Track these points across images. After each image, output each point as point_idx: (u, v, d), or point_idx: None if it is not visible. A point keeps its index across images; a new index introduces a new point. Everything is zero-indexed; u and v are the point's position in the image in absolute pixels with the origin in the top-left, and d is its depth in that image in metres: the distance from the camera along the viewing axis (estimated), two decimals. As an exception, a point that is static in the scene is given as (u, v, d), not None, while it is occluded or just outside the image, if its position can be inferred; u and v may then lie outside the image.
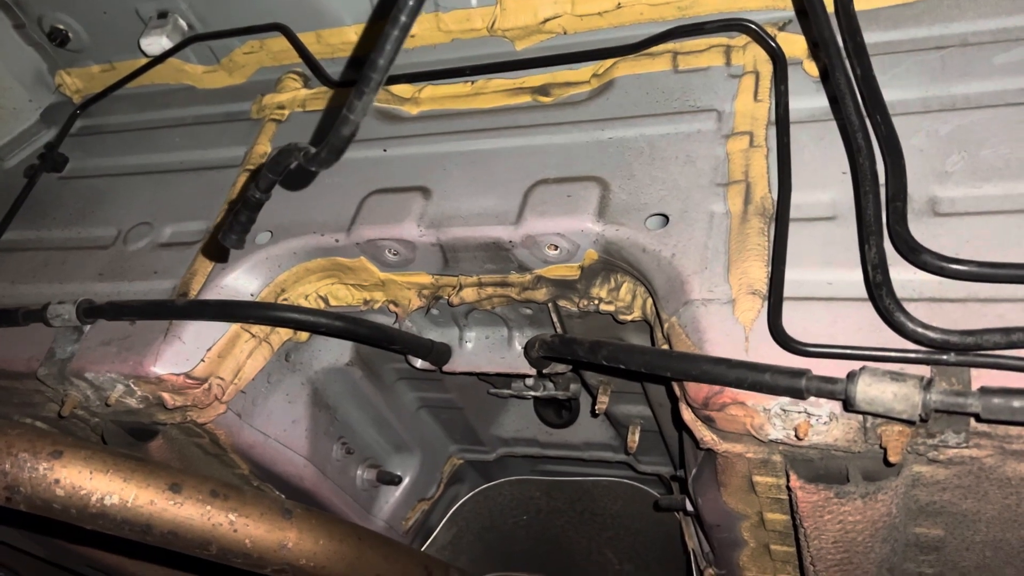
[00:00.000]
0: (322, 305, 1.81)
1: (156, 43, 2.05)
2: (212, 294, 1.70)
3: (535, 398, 2.14)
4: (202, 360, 1.66)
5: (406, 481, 2.27)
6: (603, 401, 1.87)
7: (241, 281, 1.72)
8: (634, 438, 1.97)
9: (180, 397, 1.67)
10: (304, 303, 1.79)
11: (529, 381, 2.05)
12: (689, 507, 1.69)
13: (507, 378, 2.04)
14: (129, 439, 1.83)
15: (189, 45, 2.09)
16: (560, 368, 1.83)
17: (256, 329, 1.73)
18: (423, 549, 2.36)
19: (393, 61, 0.87)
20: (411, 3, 0.83)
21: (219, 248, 1.62)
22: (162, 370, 1.64)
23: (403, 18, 0.84)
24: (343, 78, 1.96)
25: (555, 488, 2.41)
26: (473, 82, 1.87)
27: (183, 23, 2.08)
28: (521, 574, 2.44)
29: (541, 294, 1.65)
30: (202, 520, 1.36)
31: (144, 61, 2.16)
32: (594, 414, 1.93)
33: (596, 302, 1.60)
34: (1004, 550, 1.36)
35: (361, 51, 1.96)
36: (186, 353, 1.66)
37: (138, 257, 1.87)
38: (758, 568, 1.70)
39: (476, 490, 2.42)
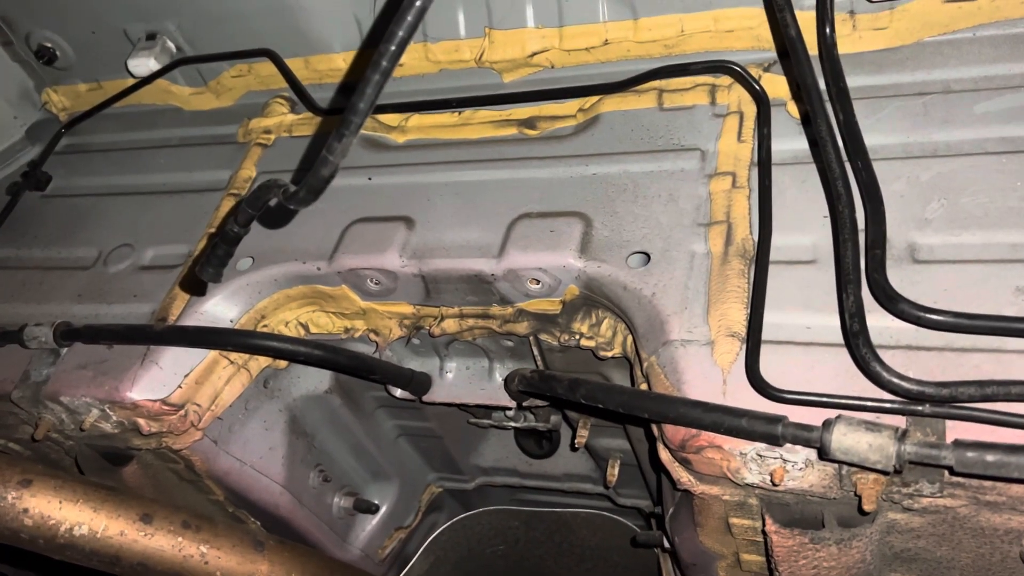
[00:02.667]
0: (302, 332, 1.80)
1: (143, 64, 2.05)
2: (191, 320, 1.69)
3: (516, 429, 2.13)
4: (179, 386, 1.64)
5: (383, 509, 2.25)
6: (583, 435, 1.86)
7: (221, 307, 1.71)
8: (613, 472, 1.97)
9: (156, 423, 1.65)
10: (284, 330, 1.78)
11: (510, 412, 2.04)
12: (666, 544, 1.68)
13: (487, 409, 2.03)
14: (103, 463, 1.81)
15: (177, 67, 2.08)
16: (539, 400, 1.82)
17: (235, 356, 1.71)
18: (400, 578, 2.35)
19: (374, 104, 0.87)
20: (393, 48, 0.84)
21: (196, 281, 1.61)
22: (138, 396, 1.62)
23: (384, 63, 0.84)
24: (330, 105, 1.96)
25: (534, 519, 2.40)
26: (460, 112, 1.87)
27: (171, 45, 2.08)
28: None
29: (522, 327, 1.64)
30: (172, 552, 1.35)
31: (132, 81, 2.15)
32: (574, 448, 1.92)
33: (577, 337, 1.60)
34: (978, 598, 1.36)
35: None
36: (163, 379, 1.64)
37: (118, 279, 1.86)
38: (734, 607, 1.69)
39: (454, 519, 2.40)
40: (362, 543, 2.22)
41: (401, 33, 0.83)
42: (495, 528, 2.45)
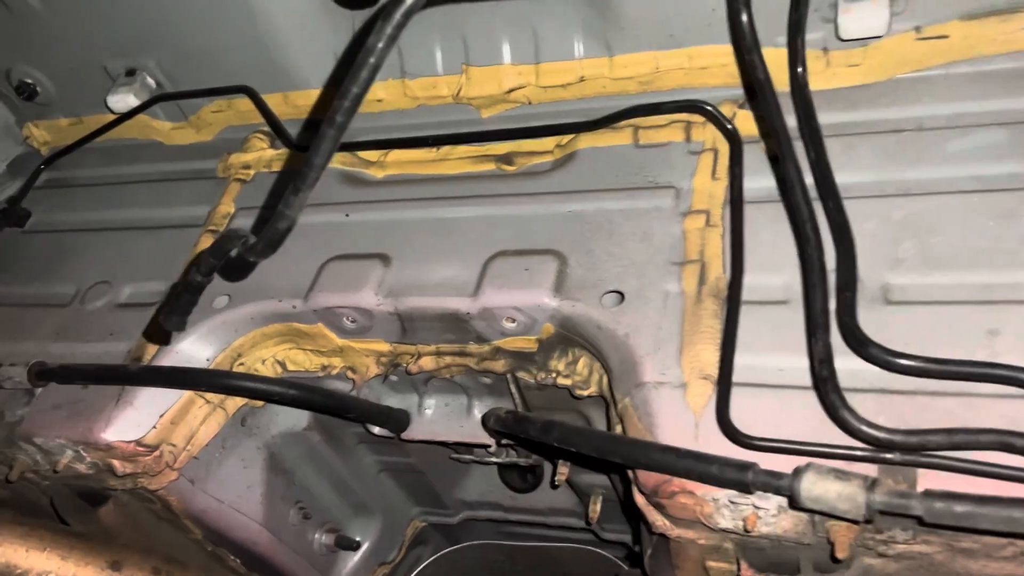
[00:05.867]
0: (280, 370, 1.79)
1: (123, 100, 2.05)
2: (167, 359, 1.68)
3: (498, 464, 2.12)
4: (154, 427, 1.63)
5: (366, 545, 2.23)
6: (563, 472, 1.85)
7: (196, 346, 1.70)
8: (596, 508, 1.95)
9: (130, 464, 1.63)
10: (261, 368, 1.77)
11: (491, 448, 2.03)
12: (647, 584, 1.66)
13: (469, 445, 2.02)
14: (80, 503, 1.79)
15: (157, 103, 2.09)
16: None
17: (211, 395, 1.70)
18: (383, 614, 2.32)
19: (330, 158, 0.87)
20: (347, 104, 0.83)
21: (161, 330, 1.59)
22: (112, 437, 1.60)
23: (339, 118, 0.84)
24: (307, 142, 1.96)
25: (519, 553, 2.38)
26: (439, 148, 1.87)
27: (151, 81, 2.08)
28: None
29: (499, 365, 1.63)
30: (142, 600, 1.33)
31: (112, 116, 2.15)
32: (554, 486, 1.90)
33: (554, 375, 1.59)
34: (958, 641, 1.34)
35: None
36: (137, 419, 1.63)
37: (95, 317, 1.85)
38: (716, 647, 1.67)
39: (438, 553, 2.38)
40: (344, 579, 2.20)
41: (355, 89, 0.82)
42: (480, 562, 2.43)
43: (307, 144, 1.92)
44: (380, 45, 0.81)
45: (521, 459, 2.02)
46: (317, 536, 2.11)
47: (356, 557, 2.22)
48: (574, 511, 2.21)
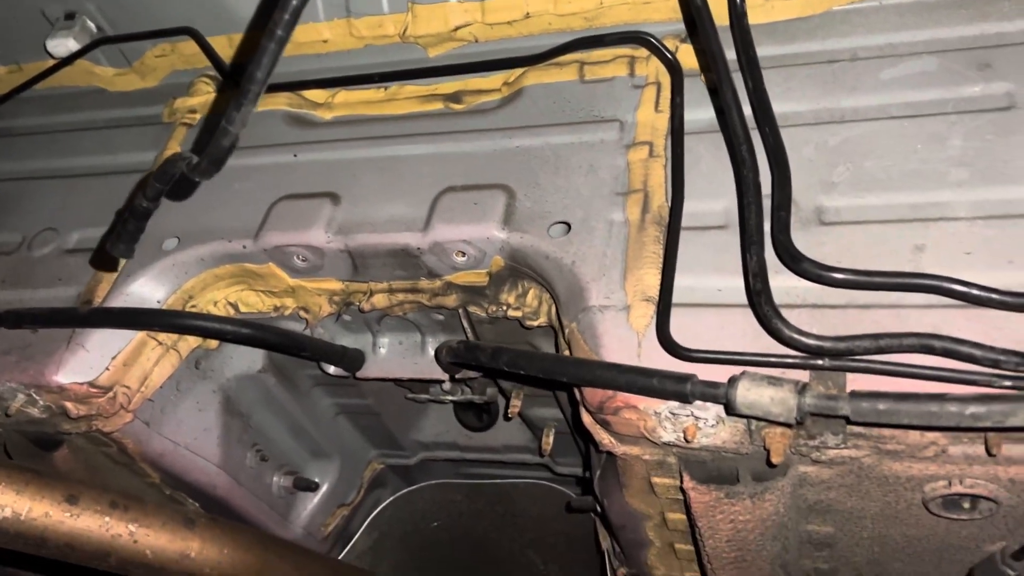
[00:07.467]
0: (232, 312, 1.79)
1: (63, 45, 2.01)
2: (117, 301, 1.67)
3: (454, 402, 2.16)
4: (106, 368, 1.63)
5: (325, 487, 2.26)
6: (515, 405, 1.89)
7: (147, 288, 1.70)
8: (548, 440, 2.00)
9: (84, 406, 1.64)
10: (213, 310, 1.78)
11: (446, 386, 2.06)
12: (599, 508, 1.72)
13: (424, 383, 2.05)
14: (33, 449, 1.79)
15: (98, 47, 2.05)
16: (472, 373, 1.84)
17: (163, 336, 1.70)
18: (343, 555, 2.36)
19: (271, 72, 0.88)
20: (287, 17, 0.84)
21: (107, 258, 1.59)
22: (65, 379, 1.60)
23: (279, 31, 0.85)
24: (255, 83, 1.95)
25: (475, 491, 2.43)
26: (387, 88, 1.88)
27: (91, 25, 2.04)
28: (438, 575, 2.45)
29: (451, 300, 1.66)
30: (100, 531, 1.34)
31: (52, 62, 2.11)
32: (507, 418, 1.95)
33: (504, 308, 1.62)
34: (890, 545, 1.42)
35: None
36: (90, 361, 1.63)
37: (43, 264, 1.83)
38: (666, 567, 1.75)
39: (396, 495, 2.42)
40: (304, 521, 2.22)
41: (294, 2, 0.83)
42: (438, 502, 2.48)
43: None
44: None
45: (476, 396, 2.06)
46: (275, 479, 2.14)
47: (315, 499, 2.25)
48: (528, 447, 2.26)
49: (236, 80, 1.93)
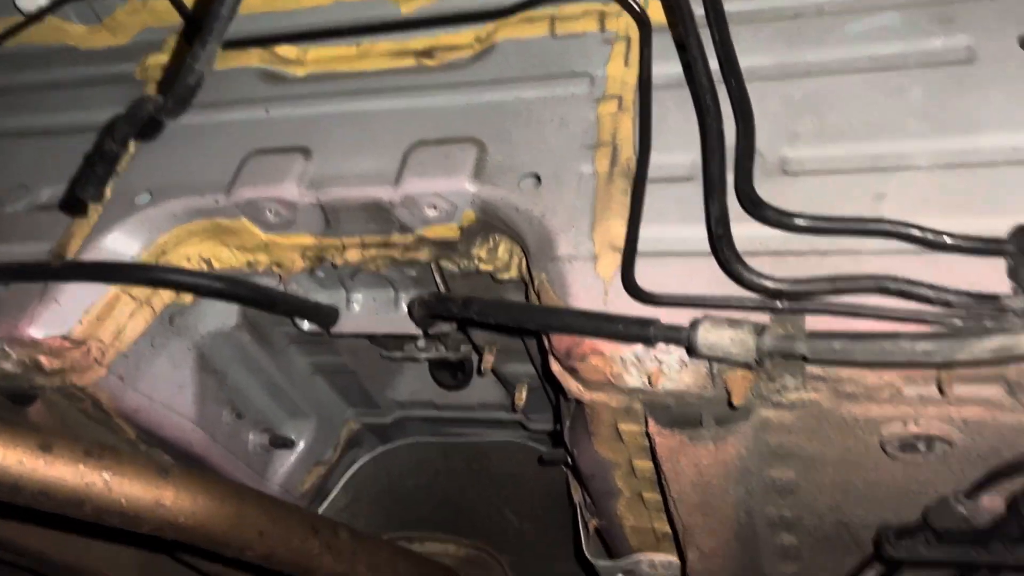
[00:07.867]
0: (205, 268, 1.80)
1: (32, 1, 1.99)
2: (90, 256, 1.68)
3: (428, 360, 2.18)
4: (79, 322, 1.64)
5: (301, 445, 2.28)
6: (488, 360, 1.91)
7: (120, 243, 1.70)
8: (521, 395, 2.02)
9: (58, 360, 1.65)
10: (187, 265, 1.78)
11: (420, 343, 2.08)
12: (569, 460, 1.75)
13: (398, 340, 2.07)
14: (6, 403, 1.80)
15: (68, 3, 2.03)
16: (446, 328, 1.86)
17: (136, 291, 1.71)
18: (320, 512, 2.39)
19: (235, 11, 0.88)
20: (249, -46, 0.85)
21: (76, 201, 1.58)
22: (38, 332, 1.61)
23: (242, -31, 0.85)
24: (225, 39, 1.94)
25: (451, 450, 2.46)
26: (359, 44, 1.88)
27: (61, -21, 2.02)
28: (414, 532, 2.48)
29: (423, 254, 1.68)
30: (75, 479, 1.36)
31: (21, 19, 2.09)
32: (479, 372, 1.97)
33: (476, 261, 1.64)
34: (851, 492, 1.46)
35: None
36: (63, 315, 1.64)
37: (14, 220, 1.83)
38: (635, 516, 1.78)
39: (372, 453, 2.44)
40: (281, 479, 2.25)
41: (256, -62, 0.84)
42: (414, 461, 2.51)
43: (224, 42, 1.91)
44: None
45: (450, 354, 2.08)
46: (251, 436, 2.15)
47: (292, 457, 2.27)
48: (503, 404, 2.29)
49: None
